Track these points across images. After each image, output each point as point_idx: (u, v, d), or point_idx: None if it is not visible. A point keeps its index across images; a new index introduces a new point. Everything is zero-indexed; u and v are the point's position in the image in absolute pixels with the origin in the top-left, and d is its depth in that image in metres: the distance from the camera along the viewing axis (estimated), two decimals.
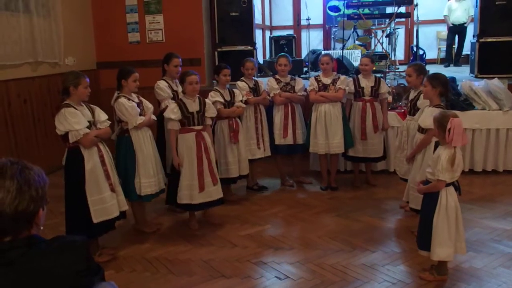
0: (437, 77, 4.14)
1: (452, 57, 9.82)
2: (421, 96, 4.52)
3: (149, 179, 4.40)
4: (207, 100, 4.63)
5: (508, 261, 3.81)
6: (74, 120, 3.77)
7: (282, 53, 5.80)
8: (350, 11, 8.97)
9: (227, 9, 7.34)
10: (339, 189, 5.64)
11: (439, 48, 10.49)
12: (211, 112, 4.59)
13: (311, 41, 10.27)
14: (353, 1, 8.71)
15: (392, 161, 5.89)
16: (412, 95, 4.81)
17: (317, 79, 5.50)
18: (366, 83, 5.45)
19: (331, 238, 4.34)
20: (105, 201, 3.92)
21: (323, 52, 8.63)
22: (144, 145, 4.38)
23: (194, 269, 3.86)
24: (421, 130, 4.22)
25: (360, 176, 5.90)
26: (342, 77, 5.51)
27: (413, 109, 4.73)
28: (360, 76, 5.51)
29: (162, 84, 4.90)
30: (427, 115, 4.07)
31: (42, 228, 1.57)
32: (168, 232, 4.63)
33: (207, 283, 3.63)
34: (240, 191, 5.67)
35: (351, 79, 5.55)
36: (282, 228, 4.66)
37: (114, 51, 7.58)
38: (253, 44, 7.45)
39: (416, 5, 8.47)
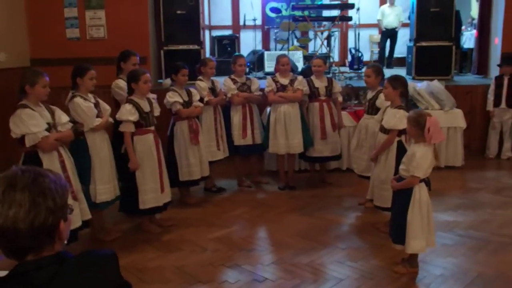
0: (397, 78, 4.30)
1: (384, 60, 10.25)
2: (380, 95, 4.68)
3: (105, 185, 4.21)
4: (152, 99, 4.52)
5: (468, 250, 4.07)
6: (31, 122, 3.52)
7: (238, 53, 5.78)
8: (289, 12, 9.13)
9: (173, 7, 7.16)
10: (296, 188, 5.69)
11: (372, 51, 10.91)
12: (157, 111, 4.54)
13: (250, 41, 10.33)
14: (299, 3, 8.84)
15: (346, 159, 6.06)
16: (370, 95, 4.96)
17: (274, 80, 5.52)
18: (320, 84, 5.53)
19: (301, 237, 4.36)
20: None
21: (264, 53, 8.73)
22: (100, 148, 4.19)
23: (167, 276, 3.72)
24: (384, 130, 4.34)
25: (315, 174, 5.99)
26: (299, 77, 5.57)
27: (371, 108, 4.89)
28: (313, 77, 5.58)
29: (121, 83, 4.67)
30: (391, 116, 4.21)
31: (66, 242, 1.43)
32: (131, 239, 4.42)
33: None
34: (198, 193, 5.56)
35: (304, 81, 5.60)
36: (249, 229, 4.62)
37: (50, 47, 7.12)
38: (200, 43, 7.34)
39: (358, 9, 8.76)
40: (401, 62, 9.74)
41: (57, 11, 7.13)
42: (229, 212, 5.04)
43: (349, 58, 9.60)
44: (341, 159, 5.95)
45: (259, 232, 4.60)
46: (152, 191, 4.36)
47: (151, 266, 3.87)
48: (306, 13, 9.03)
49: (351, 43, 10.33)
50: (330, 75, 6.32)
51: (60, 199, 1.35)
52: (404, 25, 9.72)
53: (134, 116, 4.22)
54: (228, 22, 11.19)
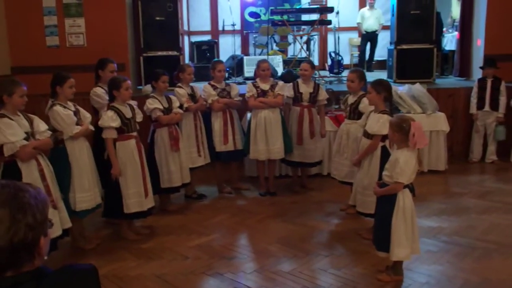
0: (381, 83, 4.24)
1: (364, 63, 10.25)
2: (363, 100, 4.64)
3: (84, 193, 4.18)
4: (134, 105, 4.52)
5: (453, 257, 4.01)
6: (9, 132, 3.52)
7: (217, 59, 5.74)
8: (267, 17, 9.13)
9: (152, 14, 7.10)
10: (277, 194, 5.64)
11: (352, 54, 10.92)
12: (140, 116, 4.54)
13: (229, 46, 10.26)
14: (278, 8, 8.83)
15: (327, 165, 6.00)
16: (351, 99, 4.89)
17: (255, 85, 5.47)
18: (305, 89, 5.46)
19: (283, 245, 4.31)
20: None
21: (244, 58, 8.69)
22: (80, 156, 4.16)
23: (148, 285, 3.65)
24: (368, 135, 4.28)
25: (296, 180, 5.94)
26: (280, 83, 5.54)
27: (353, 113, 4.84)
28: (300, 81, 5.52)
29: (99, 91, 4.66)
30: (374, 121, 4.15)
31: (46, 258, 1.39)
32: (111, 247, 4.35)
33: None
34: (178, 200, 5.49)
35: (290, 84, 5.56)
36: (230, 237, 4.56)
37: (31, 55, 7.10)
38: (179, 49, 7.27)
39: (337, 12, 8.77)
40: (381, 65, 9.77)
41: (37, 19, 7.14)
42: (209, 219, 4.97)
43: (329, 62, 9.58)
44: (321, 165, 5.91)
45: (240, 239, 4.54)
46: (136, 196, 4.36)
47: (131, 275, 3.82)
48: (285, 17, 9.05)
49: (330, 47, 10.31)
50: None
51: (40, 214, 1.33)
52: (385, 28, 9.71)
53: (116, 123, 4.23)
54: (207, 27, 11.14)
